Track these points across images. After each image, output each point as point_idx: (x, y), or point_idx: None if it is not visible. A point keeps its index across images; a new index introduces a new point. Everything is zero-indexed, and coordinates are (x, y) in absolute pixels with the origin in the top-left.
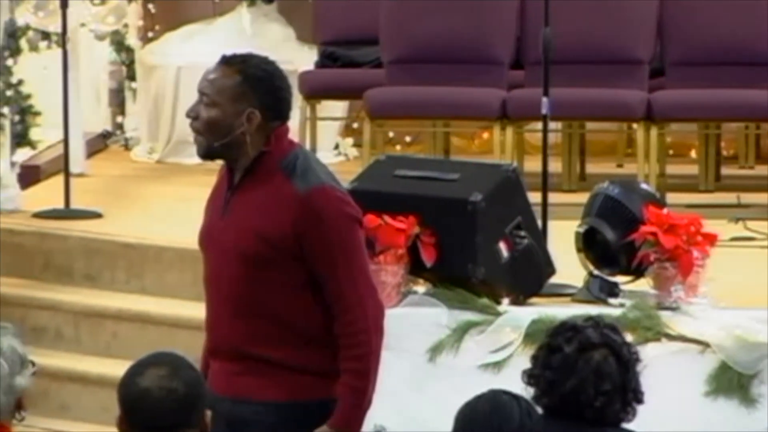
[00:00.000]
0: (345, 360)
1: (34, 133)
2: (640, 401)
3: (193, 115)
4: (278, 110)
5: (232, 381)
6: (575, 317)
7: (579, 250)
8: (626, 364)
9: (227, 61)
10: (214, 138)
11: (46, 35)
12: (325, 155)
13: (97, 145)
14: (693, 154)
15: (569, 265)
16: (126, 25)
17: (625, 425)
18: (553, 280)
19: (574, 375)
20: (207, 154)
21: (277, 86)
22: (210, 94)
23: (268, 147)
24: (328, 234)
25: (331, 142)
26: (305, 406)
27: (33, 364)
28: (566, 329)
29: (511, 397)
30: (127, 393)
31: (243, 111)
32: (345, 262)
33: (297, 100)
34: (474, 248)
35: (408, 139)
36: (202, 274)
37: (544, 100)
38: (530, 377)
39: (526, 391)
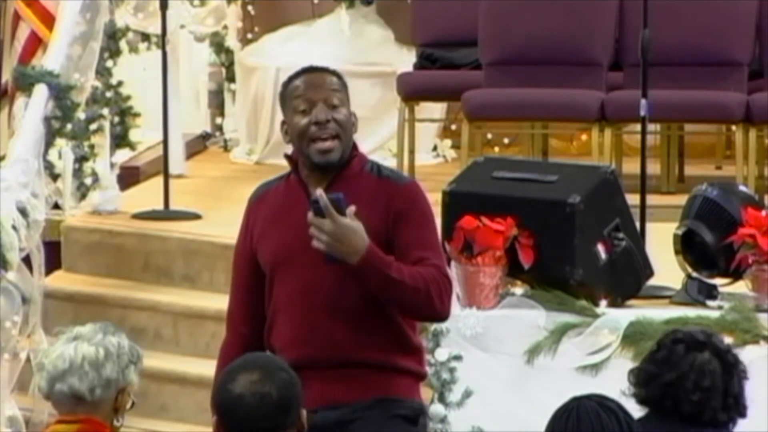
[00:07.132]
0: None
1: (133, 135)
2: (742, 414)
3: (329, 117)
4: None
5: (328, 391)
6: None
7: (677, 252)
8: (730, 369)
9: (316, 68)
10: (347, 139)
11: (145, 37)
12: (424, 157)
13: (197, 146)
14: None
15: (667, 267)
16: (225, 27)
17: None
18: (651, 282)
19: (675, 369)
20: (342, 158)
21: None
22: (339, 90)
23: (356, 151)
24: (422, 215)
25: (429, 143)
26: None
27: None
28: (676, 332)
29: (609, 412)
30: (221, 400)
31: (351, 112)
32: (429, 234)
33: (396, 102)
34: (572, 250)
35: (506, 140)
36: (276, 293)
37: (643, 101)
38: (632, 372)
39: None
